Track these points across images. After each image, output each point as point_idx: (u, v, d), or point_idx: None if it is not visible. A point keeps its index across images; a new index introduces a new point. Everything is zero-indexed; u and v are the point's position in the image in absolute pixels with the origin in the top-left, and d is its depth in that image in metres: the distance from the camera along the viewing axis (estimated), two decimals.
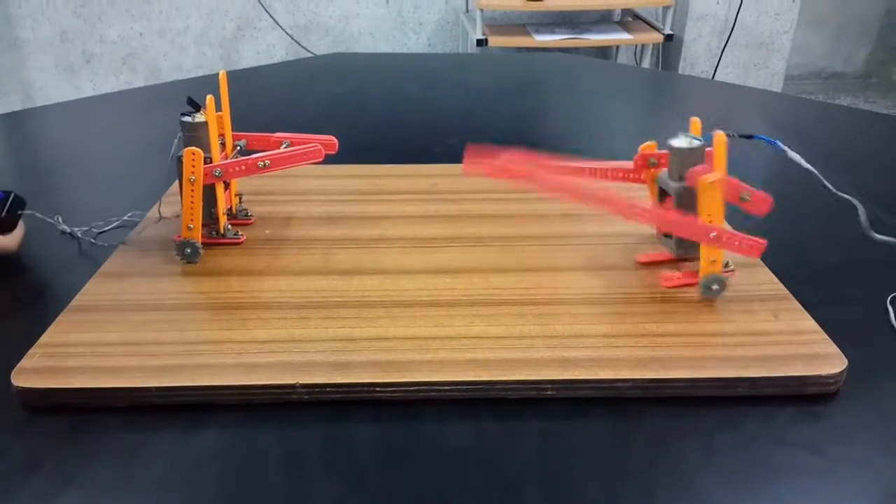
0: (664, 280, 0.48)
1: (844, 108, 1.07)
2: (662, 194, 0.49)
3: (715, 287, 0.46)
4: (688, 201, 0.46)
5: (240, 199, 0.57)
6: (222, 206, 0.53)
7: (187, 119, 0.51)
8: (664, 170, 0.49)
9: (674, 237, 0.49)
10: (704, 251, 0.45)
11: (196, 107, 0.51)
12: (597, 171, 0.51)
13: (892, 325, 0.46)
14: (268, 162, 0.51)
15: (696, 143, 0.46)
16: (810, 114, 0.94)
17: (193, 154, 0.49)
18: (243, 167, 0.51)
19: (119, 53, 2.49)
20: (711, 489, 0.35)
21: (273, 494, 0.35)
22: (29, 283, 0.52)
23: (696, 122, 0.47)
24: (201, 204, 0.50)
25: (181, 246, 0.51)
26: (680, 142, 0.47)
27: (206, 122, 0.50)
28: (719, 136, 0.43)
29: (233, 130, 0.54)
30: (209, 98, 0.50)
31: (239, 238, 0.54)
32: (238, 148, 0.55)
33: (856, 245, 0.53)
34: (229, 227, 0.54)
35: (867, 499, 0.35)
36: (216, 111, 0.51)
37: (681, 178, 0.47)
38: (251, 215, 0.57)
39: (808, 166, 0.44)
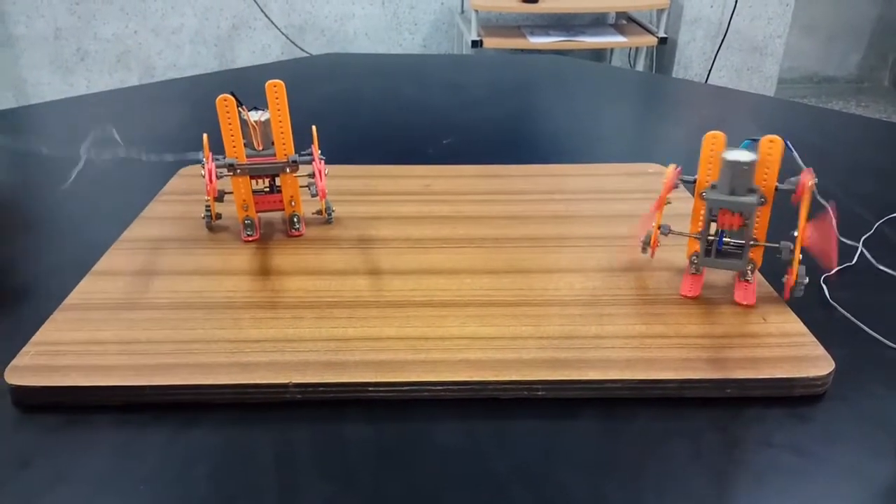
0: (687, 291, 0.48)
1: (837, 112, 1.07)
2: (713, 212, 0.46)
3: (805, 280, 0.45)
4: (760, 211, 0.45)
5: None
6: (247, 199, 0.54)
7: (254, 115, 0.52)
8: (709, 187, 0.46)
9: (746, 251, 0.46)
10: (798, 252, 0.45)
11: (238, 101, 0.51)
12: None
13: (828, 300, 0.48)
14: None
15: (752, 155, 0.44)
16: (803, 118, 0.94)
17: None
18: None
19: (114, 51, 2.49)
20: (699, 490, 0.35)
21: (265, 493, 0.35)
22: (22, 281, 0.52)
23: (718, 136, 0.46)
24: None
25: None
26: (744, 155, 0.44)
27: (245, 122, 0.52)
28: (778, 141, 0.44)
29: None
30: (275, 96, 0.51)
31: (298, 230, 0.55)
32: (289, 160, 0.53)
33: (844, 248, 0.53)
34: (248, 220, 0.54)
35: (852, 500, 0.35)
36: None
37: (750, 191, 0.45)
38: (333, 211, 0.57)
39: (801, 164, 0.44)
